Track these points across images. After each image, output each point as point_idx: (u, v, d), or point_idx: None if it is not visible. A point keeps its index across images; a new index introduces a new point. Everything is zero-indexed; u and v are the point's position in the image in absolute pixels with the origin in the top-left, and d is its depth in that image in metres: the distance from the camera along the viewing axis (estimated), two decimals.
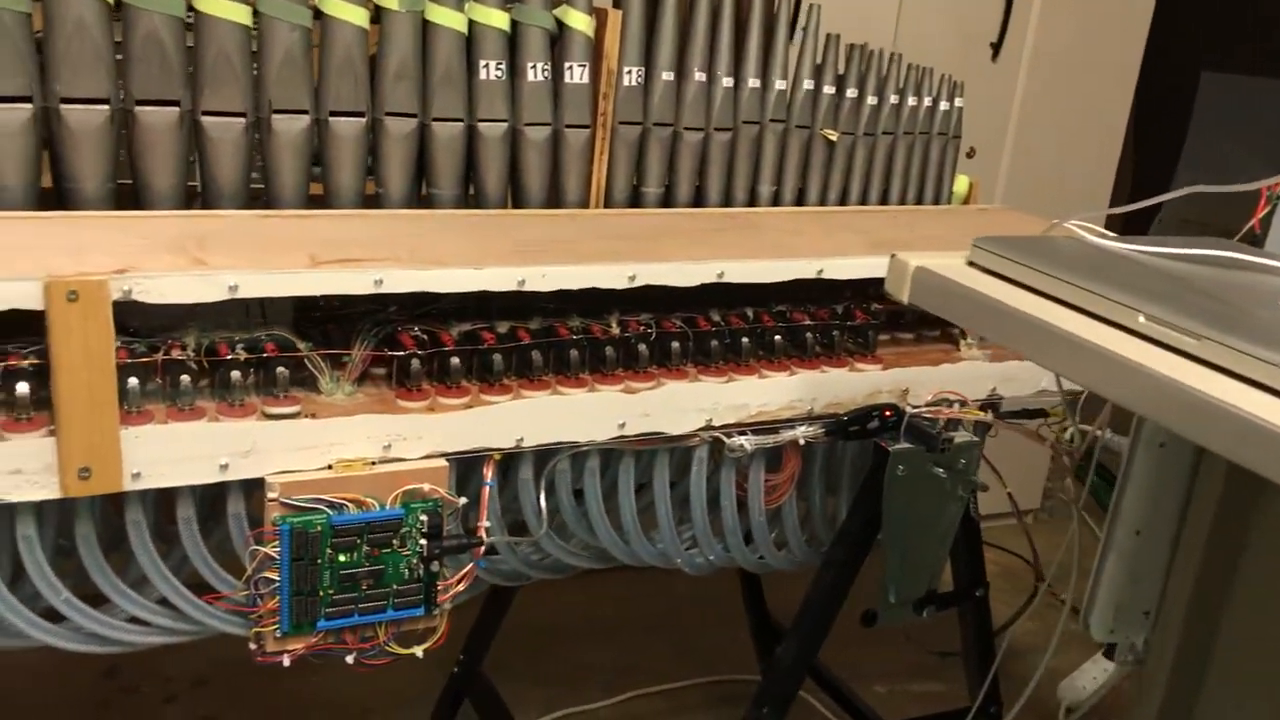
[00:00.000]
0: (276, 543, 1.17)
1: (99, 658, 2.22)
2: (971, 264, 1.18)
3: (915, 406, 1.50)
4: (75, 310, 1.04)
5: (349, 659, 1.27)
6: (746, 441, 1.43)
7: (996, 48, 2.77)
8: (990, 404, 1.61)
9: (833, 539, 1.55)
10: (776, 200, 1.73)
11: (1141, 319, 0.97)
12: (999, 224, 1.26)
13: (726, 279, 1.37)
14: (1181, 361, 0.92)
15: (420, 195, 1.50)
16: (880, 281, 1.49)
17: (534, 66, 1.48)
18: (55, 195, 1.34)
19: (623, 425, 1.35)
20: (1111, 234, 1.27)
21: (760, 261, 1.40)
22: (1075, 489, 1.48)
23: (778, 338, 1.46)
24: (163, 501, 1.22)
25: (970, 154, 2.76)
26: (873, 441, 1.49)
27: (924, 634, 2.54)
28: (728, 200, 1.69)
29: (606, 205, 1.60)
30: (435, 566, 1.26)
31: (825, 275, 1.43)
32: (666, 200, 1.65)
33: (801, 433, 1.46)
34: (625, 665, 2.48)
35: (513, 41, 1.48)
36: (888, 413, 1.48)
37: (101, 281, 1.05)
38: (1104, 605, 1.42)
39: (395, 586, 1.25)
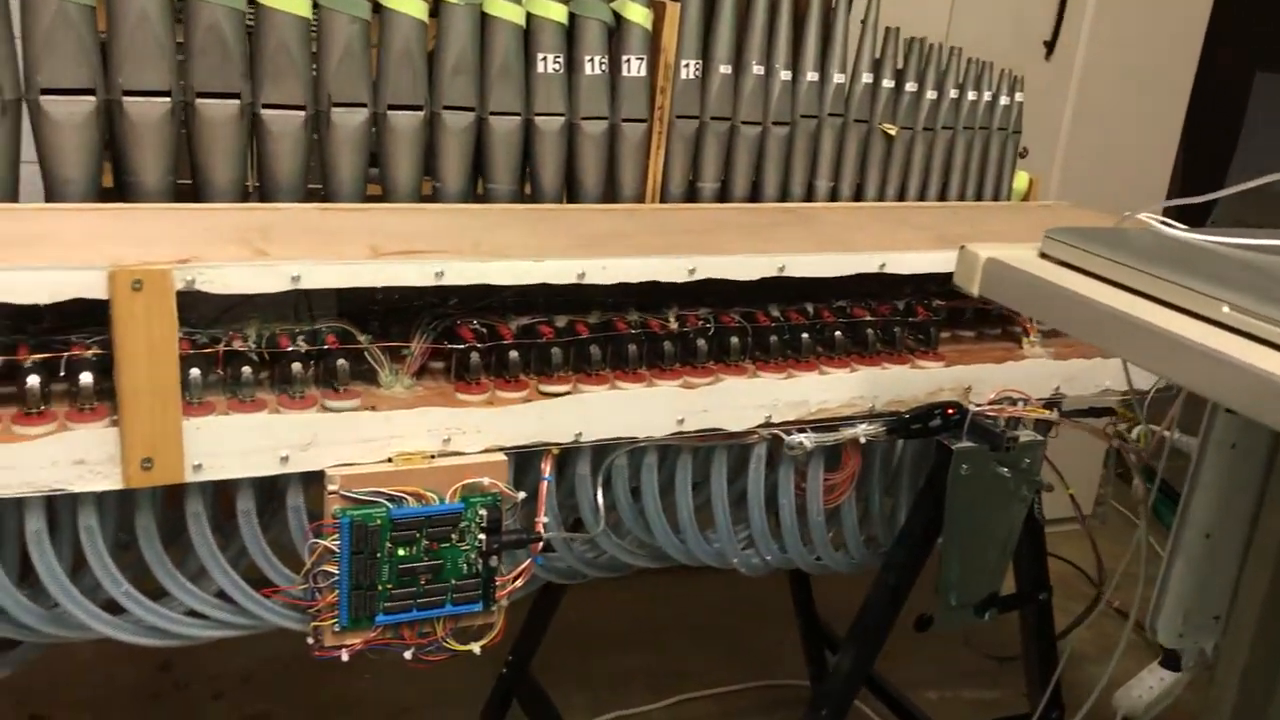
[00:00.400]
0: (336, 536, 1.17)
1: (152, 651, 2.24)
2: (1044, 255, 1.15)
3: (978, 405, 1.47)
4: (139, 300, 1.04)
5: (407, 654, 1.26)
6: (806, 439, 1.41)
7: (1050, 45, 2.73)
8: (1052, 403, 1.58)
9: (893, 540, 1.52)
10: (834, 195, 1.71)
11: (1226, 309, 0.94)
12: (1063, 220, 1.23)
13: (788, 273, 1.35)
14: (1269, 352, 0.89)
15: (475, 190, 1.50)
16: (941, 277, 1.48)
17: (591, 60, 1.47)
18: (115, 188, 1.35)
19: (681, 421, 1.34)
20: (1184, 226, 1.23)
21: (822, 255, 1.37)
22: (1143, 490, 1.44)
23: (838, 333, 1.43)
24: (219, 495, 1.22)
25: (1023, 154, 2.71)
26: (935, 440, 1.46)
27: (980, 638, 2.50)
28: (784, 195, 1.67)
29: (662, 200, 1.58)
30: (494, 562, 1.25)
31: (888, 270, 1.41)
32: (722, 195, 1.63)
33: (862, 431, 1.43)
34: (673, 669, 2.46)
35: (570, 35, 1.46)
36: (950, 410, 1.45)
37: (165, 271, 1.05)
38: (1171, 610, 1.38)
39: (454, 581, 1.24)
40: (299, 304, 1.25)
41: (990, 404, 1.48)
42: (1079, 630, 2.20)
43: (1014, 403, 1.49)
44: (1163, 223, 1.22)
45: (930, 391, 1.48)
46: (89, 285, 1.03)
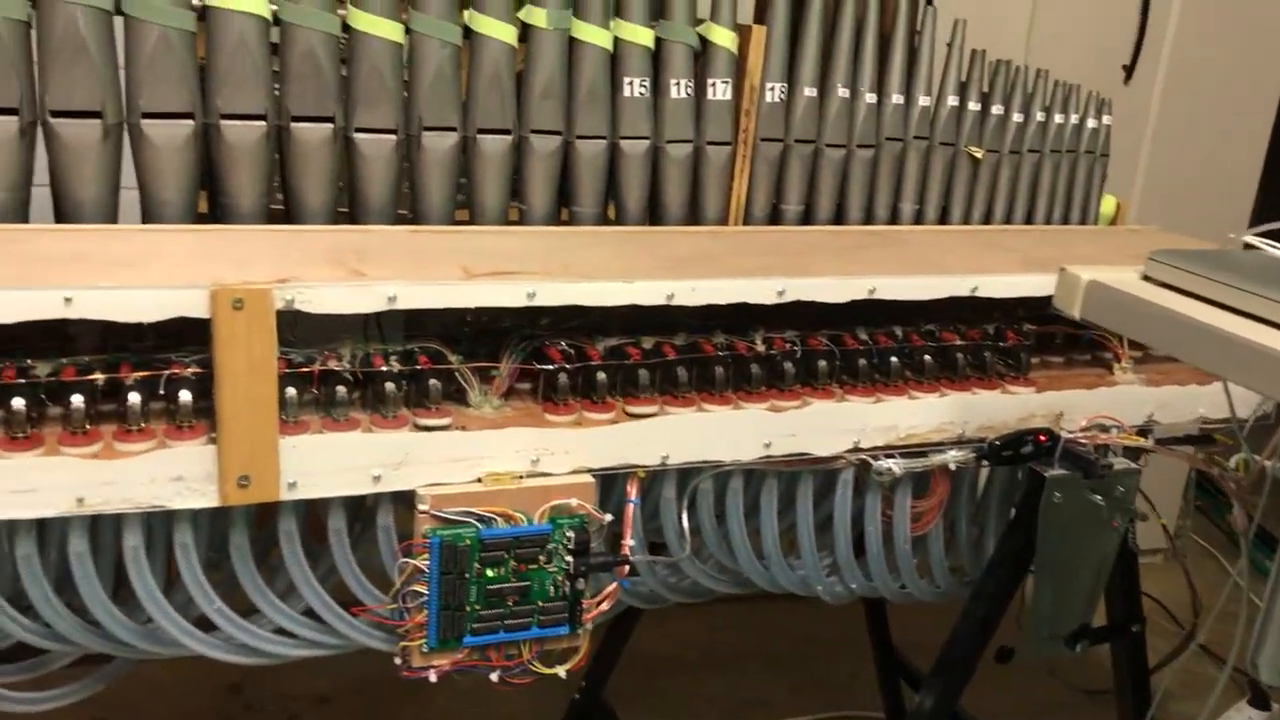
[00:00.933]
0: (426, 555, 1.17)
1: (222, 672, 2.26)
2: (1147, 278, 1.13)
3: (1070, 431, 1.44)
4: (240, 319, 1.05)
5: (493, 676, 1.25)
6: (895, 464, 1.38)
7: (1130, 69, 2.69)
8: (1144, 430, 1.54)
9: (984, 569, 1.49)
10: (919, 219, 1.69)
11: None
12: (1153, 245, 1.20)
13: (878, 295, 1.33)
14: None
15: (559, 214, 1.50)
16: (1031, 302, 1.45)
17: (677, 83, 1.47)
18: (210, 211, 1.37)
19: (768, 445, 1.32)
20: None
21: (913, 278, 1.36)
22: (1243, 520, 1.39)
23: (927, 357, 1.41)
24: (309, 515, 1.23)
25: None
26: (1026, 467, 1.43)
27: (1066, 670, 2.44)
28: (869, 218, 1.65)
29: (745, 222, 1.57)
30: (580, 584, 1.24)
31: (980, 293, 1.38)
32: (806, 218, 1.62)
33: (952, 457, 1.41)
34: (746, 696, 2.43)
35: (656, 58, 1.47)
36: (1042, 437, 1.42)
37: (266, 290, 1.06)
38: (1274, 647, 1.33)
39: (540, 604, 1.23)
40: (368, 325, 1.25)
41: (1082, 431, 1.45)
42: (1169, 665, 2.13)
43: (1106, 430, 1.46)
44: (1268, 245, 1.19)
45: (1021, 417, 1.45)
46: (191, 304, 1.05)
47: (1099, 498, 1.42)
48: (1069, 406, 1.47)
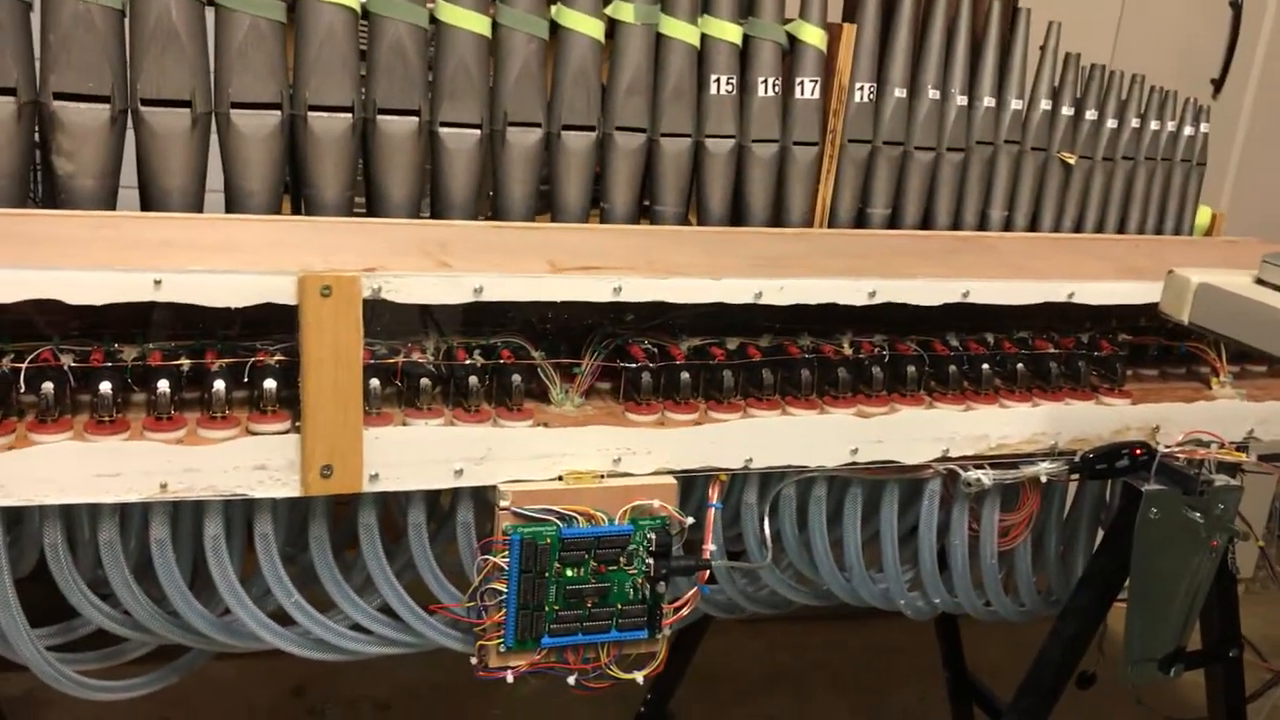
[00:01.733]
0: (506, 553, 1.14)
1: (285, 675, 2.26)
2: (1261, 281, 1.08)
3: (1167, 446, 1.38)
4: (328, 306, 1.04)
5: (570, 680, 1.22)
6: (984, 475, 1.34)
7: (1218, 84, 2.62)
8: (1243, 447, 1.48)
9: (1075, 586, 1.44)
10: (1008, 225, 1.65)
11: None
12: (1255, 256, 1.14)
13: (972, 299, 1.29)
14: None
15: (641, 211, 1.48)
16: (1123, 312, 1.41)
17: (764, 81, 1.45)
18: (293, 202, 1.37)
19: (855, 451, 1.28)
20: None
21: (1007, 282, 1.31)
22: None
23: (1019, 365, 1.37)
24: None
25: None
26: (1121, 482, 1.38)
27: (1153, 697, 2.36)
28: (957, 223, 1.61)
29: (830, 225, 1.54)
30: (660, 588, 1.21)
31: (1076, 299, 1.34)
32: (892, 221, 1.58)
33: (1044, 469, 1.36)
34: (813, 717, 2.38)
35: (744, 56, 1.44)
36: (1138, 451, 1.37)
37: (354, 278, 1.04)
38: None
39: (620, 606, 1.20)
40: (426, 320, 1.24)
41: (1179, 445, 1.39)
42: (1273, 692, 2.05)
43: (1205, 445, 1.40)
44: None
45: (1115, 430, 1.40)
46: (279, 290, 1.03)
47: (1198, 515, 1.36)
48: (1165, 420, 1.42)
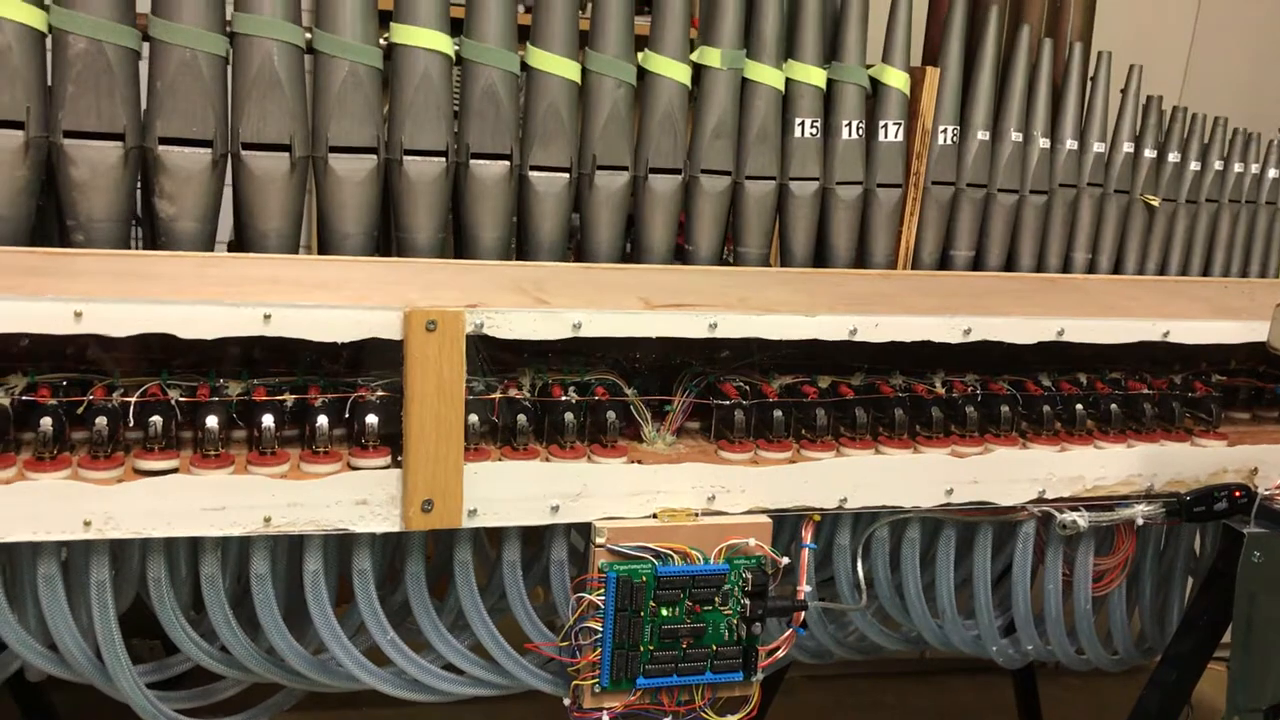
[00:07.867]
0: (601, 590, 1.13)
1: None
2: None
3: (1266, 488, 1.35)
4: (433, 340, 1.04)
5: None
6: (1080, 518, 1.31)
7: None
8: None
9: (1176, 631, 1.40)
10: (1092, 268, 1.63)
11: None
12: None
13: (1066, 337, 1.28)
14: None
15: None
16: (1214, 353, 1.39)
17: (848, 125, 1.46)
18: (385, 243, 1.39)
19: (950, 491, 1.27)
20: None
21: (1102, 320, 1.30)
22: None
23: (1113, 406, 1.35)
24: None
25: None
26: (1220, 524, 1.35)
27: None
28: (1040, 266, 1.61)
29: (913, 267, 1.54)
30: (756, 629, 1.19)
31: (1171, 338, 1.32)
32: (975, 264, 1.58)
33: (1140, 511, 1.33)
34: None
35: (828, 99, 1.45)
36: (1237, 493, 1.34)
37: (458, 313, 1.05)
38: None
39: (715, 647, 1.19)
40: (484, 356, 1.22)
41: (1279, 487, 1.36)
42: None
43: None
44: None
45: (1212, 472, 1.37)
46: (385, 325, 1.04)
47: None
48: (1263, 462, 1.39)
